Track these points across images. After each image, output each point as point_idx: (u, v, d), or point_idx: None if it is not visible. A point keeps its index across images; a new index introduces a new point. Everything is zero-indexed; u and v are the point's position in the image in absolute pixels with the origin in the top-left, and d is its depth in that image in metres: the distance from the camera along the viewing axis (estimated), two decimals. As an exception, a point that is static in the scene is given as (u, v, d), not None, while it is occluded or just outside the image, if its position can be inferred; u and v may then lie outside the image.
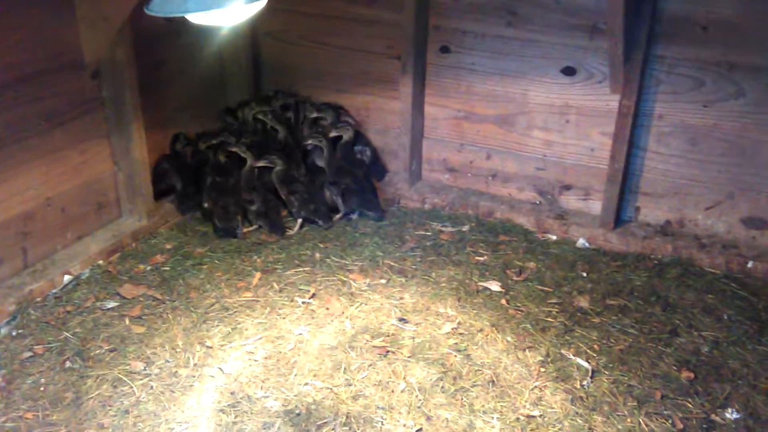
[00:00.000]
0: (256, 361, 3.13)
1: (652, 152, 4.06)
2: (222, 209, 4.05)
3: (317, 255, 3.92)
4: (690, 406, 2.93)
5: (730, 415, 2.89)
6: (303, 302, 3.52)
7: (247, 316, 3.41)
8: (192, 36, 4.28)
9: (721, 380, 3.08)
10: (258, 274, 3.73)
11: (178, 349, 3.18)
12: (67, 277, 3.61)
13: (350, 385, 2.99)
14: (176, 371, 3.05)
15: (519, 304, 3.56)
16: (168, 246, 3.97)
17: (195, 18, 2.46)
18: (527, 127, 4.32)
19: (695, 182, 4.01)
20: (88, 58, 3.65)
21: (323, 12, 4.56)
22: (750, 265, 3.85)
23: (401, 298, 3.58)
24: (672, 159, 4.04)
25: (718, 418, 2.87)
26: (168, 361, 3.11)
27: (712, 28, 3.72)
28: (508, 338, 3.31)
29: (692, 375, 3.09)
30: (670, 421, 2.84)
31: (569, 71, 4.11)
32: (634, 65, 3.82)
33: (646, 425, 2.82)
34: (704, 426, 2.83)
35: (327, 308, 3.48)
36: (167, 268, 3.77)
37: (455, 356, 3.17)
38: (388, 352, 3.19)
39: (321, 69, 4.71)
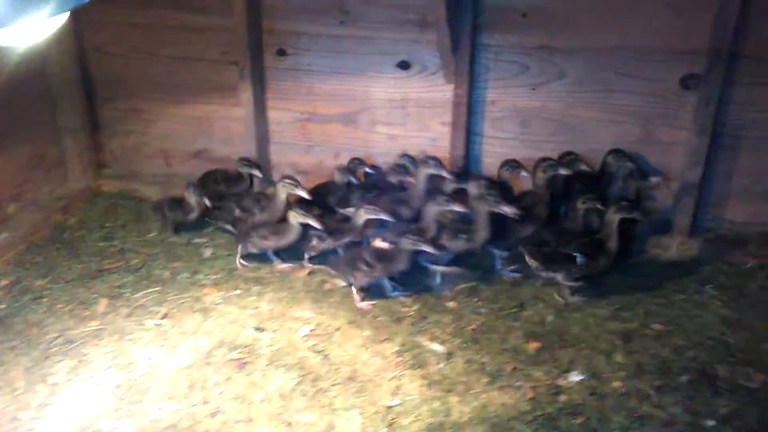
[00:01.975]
0: (106, 391, 2.99)
1: (488, 137, 4.23)
2: None
3: (167, 274, 3.80)
4: (538, 374, 3.08)
5: (575, 377, 3.06)
6: (154, 324, 3.40)
7: (94, 346, 3.26)
8: (5, 58, 4.00)
9: (565, 346, 3.26)
10: (104, 301, 3.57)
11: (18, 392, 2.98)
12: None
13: (207, 402, 2.92)
14: (16, 416, 2.86)
15: (375, 298, 3.61)
16: (4, 282, 3.72)
17: (-23, 40, 2.29)
18: (371, 123, 4.38)
19: (531, 162, 4.20)
20: None
21: (153, 22, 4.41)
22: (588, 234, 4.10)
23: (257, 307, 3.54)
24: (508, 142, 4.22)
25: (564, 382, 3.03)
26: (7, 407, 2.91)
27: (531, 15, 3.92)
28: (366, 333, 3.35)
29: (539, 345, 3.26)
30: (521, 391, 2.98)
31: (404, 65, 4.20)
32: (463, 55, 3.96)
33: (499, 398, 2.94)
34: (552, 392, 2.98)
35: (180, 327, 3.38)
36: (2, 306, 3.53)
37: (314, 358, 3.17)
38: (245, 363, 3.14)
39: (156, 81, 4.55)
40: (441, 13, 3.70)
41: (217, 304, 3.56)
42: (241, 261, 3.91)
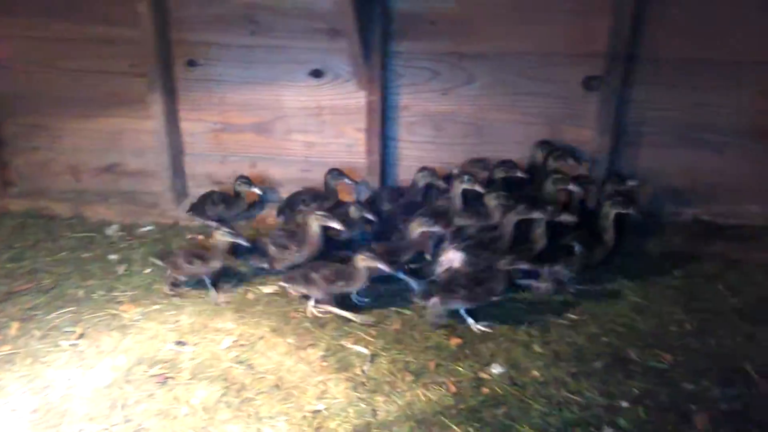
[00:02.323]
0: (21, 417, 2.87)
1: (403, 141, 4.32)
2: None
3: (81, 293, 3.68)
4: (461, 369, 3.15)
5: (496, 369, 3.15)
6: (70, 345, 3.29)
7: (6, 372, 3.11)
8: None
9: (486, 340, 3.35)
10: (16, 324, 3.42)
11: (-76, 423, 2.83)
12: None
13: (129, 420, 2.84)
14: (-77, 448, 2.72)
15: (298, 305, 3.61)
16: None
17: None
18: (286, 132, 4.39)
19: (445, 164, 4.31)
20: None
21: (54, 35, 4.28)
22: (502, 232, 4.23)
23: (177, 321, 3.48)
24: (423, 145, 4.32)
25: (485, 375, 3.11)
26: None
27: (439, 23, 4.03)
28: (289, 340, 3.34)
29: (460, 341, 3.33)
30: (444, 387, 3.04)
31: (317, 73, 4.23)
32: (375, 62, 4.03)
33: (424, 395, 2.99)
34: (474, 385, 3.06)
35: (97, 346, 3.28)
36: None
37: (237, 368, 3.14)
38: (167, 378, 3.08)
39: (61, 95, 4.42)
40: (351, 23, 3.75)
41: (135, 321, 3.47)
42: (315, 308, 3.56)
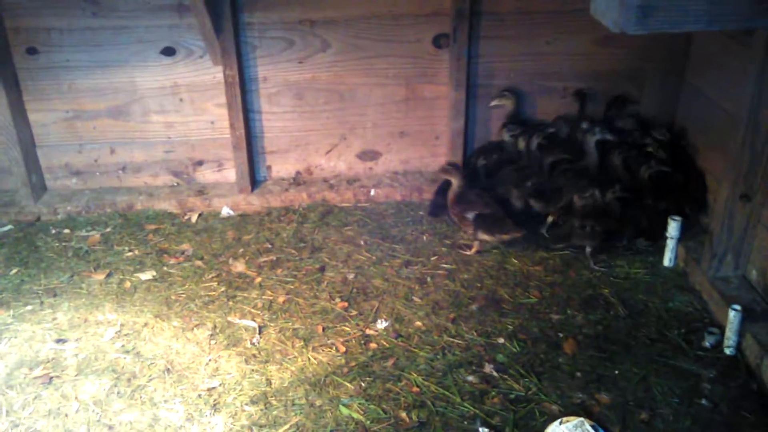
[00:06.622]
0: None
1: (266, 113, 4.33)
2: None
3: (-63, 305, 3.49)
4: (348, 329, 3.29)
5: (381, 324, 3.31)
6: (-63, 359, 3.13)
7: None
8: None
9: (369, 299, 3.50)
10: None
11: None
12: None
13: (18, 425, 2.77)
14: None
15: (179, 288, 3.60)
16: None
17: None
18: (144, 114, 4.28)
19: (310, 132, 4.39)
20: None
21: None
22: (372, 193, 4.38)
23: (54, 319, 3.37)
24: (285, 116, 4.35)
25: (372, 331, 3.27)
26: None
27: (284, -10, 4.04)
28: (175, 323, 3.34)
29: (345, 303, 3.46)
30: (334, 348, 3.17)
31: (169, 51, 4.14)
32: (227, 36, 3.99)
33: (315, 358, 3.10)
34: (362, 342, 3.20)
35: (-31, 357, 3.15)
36: None
37: (125, 358, 3.11)
38: (51, 378, 3.01)
39: None
40: (197, -4, 3.69)
41: (8, 325, 3.34)
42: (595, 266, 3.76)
